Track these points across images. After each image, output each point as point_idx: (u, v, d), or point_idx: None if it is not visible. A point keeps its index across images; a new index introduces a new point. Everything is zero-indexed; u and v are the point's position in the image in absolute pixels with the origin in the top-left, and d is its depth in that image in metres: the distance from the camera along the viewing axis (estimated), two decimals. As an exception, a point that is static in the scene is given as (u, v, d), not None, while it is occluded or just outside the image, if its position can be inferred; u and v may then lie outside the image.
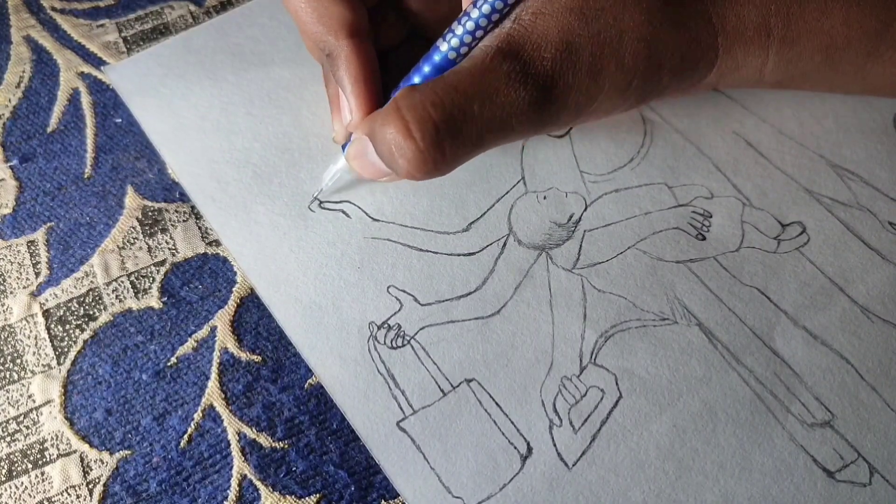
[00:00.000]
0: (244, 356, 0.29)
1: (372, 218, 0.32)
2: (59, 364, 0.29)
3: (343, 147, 0.30)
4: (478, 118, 0.24)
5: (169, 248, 0.32)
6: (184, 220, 0.33)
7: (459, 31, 0.25)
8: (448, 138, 0.24)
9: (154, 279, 0.31)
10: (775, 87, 0.30)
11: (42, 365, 0.29)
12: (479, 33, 0.25)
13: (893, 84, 0.29)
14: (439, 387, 0.28)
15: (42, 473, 0.27)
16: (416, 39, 0.31)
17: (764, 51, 0.26)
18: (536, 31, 0.24)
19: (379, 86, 0.28)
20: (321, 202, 0.32)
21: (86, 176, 0.34)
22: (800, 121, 0.34)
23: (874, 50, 0.26)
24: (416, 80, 0.26)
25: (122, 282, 0.31)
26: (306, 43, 0.29)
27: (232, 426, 0.28)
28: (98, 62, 0.38)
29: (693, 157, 0.33)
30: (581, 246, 0.31)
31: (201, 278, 0.31)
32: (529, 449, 0.27)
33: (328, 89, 0.30)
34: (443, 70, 0.25)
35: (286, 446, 0.27)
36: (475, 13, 0.24)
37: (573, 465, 0.26)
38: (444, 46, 0.25)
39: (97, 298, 0.31)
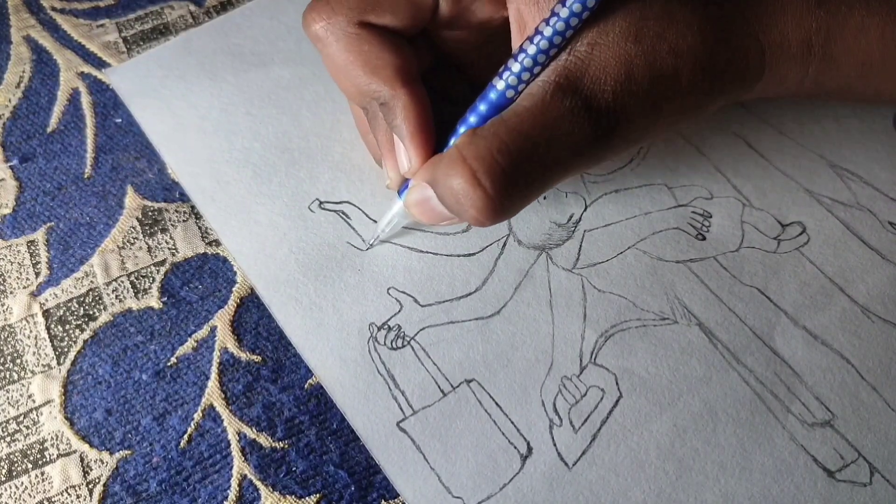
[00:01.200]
0: (244, 356, 0.29)
1: (372, 220, 0.32)
2: (59, 364, 0.29)
3: (399, 193, 0.28)
4: (544, 159, 0.23)
5: (169, 248, 0.32)
6: (184, 220, 0.33)
7: (516, 67, 0.24)
8: (516, 183, 0.23)
9: (154, 279, 0.31)
10: (808, 98, 0.30)
11: (42, 365, 0.29)
12: (536, 69, 0.24)
13: None
14: (439, 387, 0.28)
15: (42, 473, 0.27)
16: (444, 66, 0.30)
17: (804, 67, 0.26)
18: (594, 63, 0.23)
19: (433, 129, 0.26)
20: (321, 202, 0.32)
21: (86, 176, 0.34)
22: (800, 121, 0.34)
23: None
24: (473, 119, 0.25)
25: (122, 282, 0.31)
26: (347, 89, 0.27)
27: (232, 426, 0.28)
28: (98, 62, 0.38)
29: (693, 158, 0.33)
30: (581, 246, 0.31)
31: (201, 278, 0.31)
32: (529, 449, 0.27)
33: (377, 135, 0.28)
34: (500, 108, 0.24)
35: (286, 446, 0.27)
36: (531, 49, 0.23)
37: (573, 465, 0.26)
38: (500, 84, 0.24)
39: (97, 298, 0.31)
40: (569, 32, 0.23)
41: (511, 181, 0.23)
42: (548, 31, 0.23)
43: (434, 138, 0.26)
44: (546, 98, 0.23)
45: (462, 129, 0.25)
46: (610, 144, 0.24)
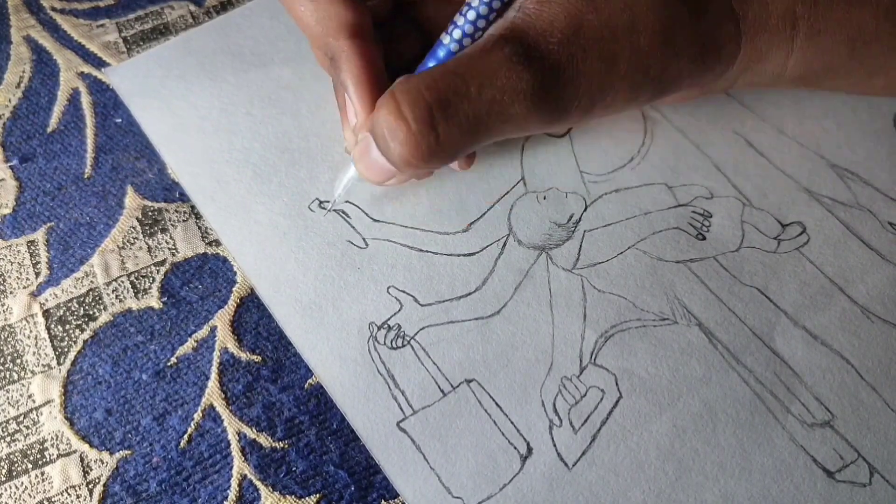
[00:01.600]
0: (244, 356, 0.29)
1: (372, 218, 0.32)
2: (59, 364, 0.29)
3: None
4: (474, 100, 0.23)
5: (169, 248, 0.32)
6: (184, 220, 0.33)
7: (461, 21, 0.24)
8: (442, 120, 0.23)
9: (154, 279, 0.31)
10: (797, 85, 0.29)
11: (42, 365, 0.29)
12: (481, 23, 0.24)
13: None
14: (439, 387, 0.28)
15: (42, 473, 0.27)
16: (412, 31, 0.30)
17: (789, 42, 0.25)
18: (542, 19, 0.23)
19: (382, 85, 0.27)
20: (321, 202, 0.32)
21: (86, 176, 0.34)
22: (800, 121, 0.34)
23: None
24: None
25: (122, 282, 0.31)
26: (315, 52, 0.28)
27: (232, 426, 0.28)
28: (98, 62, 0.38)
29: (693, 157, 0.33)
30: (581, 246, 0.31)
31: (201, 278, 0.31)
32: (529, 449, 0.27)
33: (337, 99, 0.29)
34: None
35: (286, 446, 0.27)
36: (476, 2, 0.24)
37: (573, 466, 0.26)
38: (446, 39, 0.25)
39: (97, 298, 0.31)
40: None
41: (436, 117, 0.23)
42: None
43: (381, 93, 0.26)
44: (486, 46, 0.23)
45: None
46: (554, 97, 0.24)
